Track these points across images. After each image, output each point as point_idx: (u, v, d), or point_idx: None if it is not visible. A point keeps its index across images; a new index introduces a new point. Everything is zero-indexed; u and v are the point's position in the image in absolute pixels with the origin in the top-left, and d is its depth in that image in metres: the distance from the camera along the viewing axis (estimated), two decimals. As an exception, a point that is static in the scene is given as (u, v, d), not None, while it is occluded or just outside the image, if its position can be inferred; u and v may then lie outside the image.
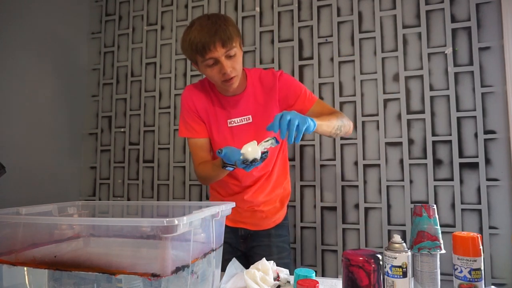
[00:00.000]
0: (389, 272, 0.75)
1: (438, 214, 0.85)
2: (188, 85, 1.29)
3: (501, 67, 1.52)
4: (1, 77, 1.61)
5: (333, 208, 1.70)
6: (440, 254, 0.82)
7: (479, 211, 1.51)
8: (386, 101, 1.67)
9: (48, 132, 1.86)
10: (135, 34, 2.11)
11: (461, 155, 1.55)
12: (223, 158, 1.03)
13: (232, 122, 1.22)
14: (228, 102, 1.22)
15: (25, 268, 0.67)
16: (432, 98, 1.61)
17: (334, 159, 1.72)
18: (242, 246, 1.32)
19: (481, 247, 0.76)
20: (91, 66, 2.17)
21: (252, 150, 0.94)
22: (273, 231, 1.31)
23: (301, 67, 1.80)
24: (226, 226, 1.23)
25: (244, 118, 1.21)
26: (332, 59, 1.76)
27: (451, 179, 1.56)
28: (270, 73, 1.23)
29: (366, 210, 1.66)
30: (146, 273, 0.59)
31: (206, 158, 1.25)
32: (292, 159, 1.77)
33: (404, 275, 0.74)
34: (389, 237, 1.61)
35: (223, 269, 0.95)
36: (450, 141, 1.57)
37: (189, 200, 1.93)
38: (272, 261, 0.97)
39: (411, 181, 1.61)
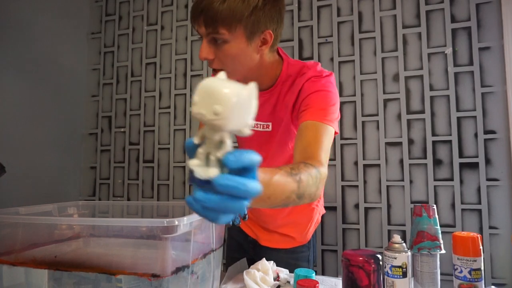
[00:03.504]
0: (389, 272, 0.75)
1: (438, 214, 0.85)
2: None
3: (501, 67, 1.52)
4: (0, 77, 1.61)
5: (333, 208, 1.70)
6: (440, 254, 0.82)
7: (479, 211, 1.51)
8: (386, 101, 1.67)
9: (48, 132, 1.86)
10: (135, 34, 2.11)
11: (461, 155, 1.55)
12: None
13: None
14: None
15: (25, 268, 0.67)
16: (432, 98, 1.61)
17: (334, 159, 1.71)
18: (251, 252, 1.16)
19: (481, 247, 0.76)
20: (91, 66, 2.17)
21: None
22: (286, 248, 1.11)
23: (301, 67, 1.80)
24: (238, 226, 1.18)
25: (262, 124, 0.95)
26: (332, 59, 1.76)
27: (451, 179, 1.56)
28: (306, 70, 0.89)
29: (366, 210, 1.66)
30: (146, 273, 0.59)
31: None
32: (292, 159, 1.77)
33: (404, 275, 0.74)
34: (389, 237, 1.61)
35: (225, 269, 0.94)
36: (450, 141, 1.57)
37: (189, 200, 1.93)
38: (272, 261, 0.97)
39: (411, 181, 1.61)
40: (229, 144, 0.36)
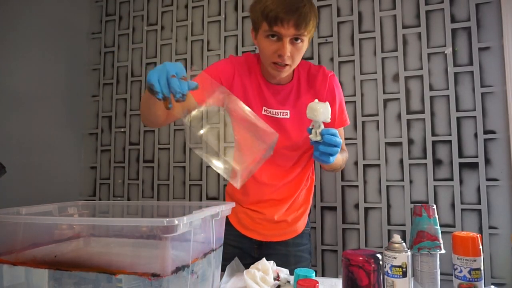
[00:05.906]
0: (389, 272, 0.75)
1: (438, 214, 0.85)
2: (232, 56, 1.17)
3: (501, 67, 1.52)
4: (1, 77, 1.61)
5: (333, 208, 1.70)
6: (440, 254, 0.82)
7: (479, 211, 1.51)
8: (386, 101, 1.67)
9: (48, 132, 1.86)
10: (135, 34, 2.11)
11: (461, 155, 1.55)
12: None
13: (268, 112, 1.11)
14: (268, 89, 1.12)
15: (25, 268, 0.67)
16: (432, 98, 1.61)
17: (334, 159, 1.71)
18: (256, 252, 1.21)
19: (480, 247, 0.76)
20: (91, 66, 2.17)
21: (322, 109, 0.84)
22: (291, 240, 1.20)
23: (301, 67, 1.80)
24: (238, 232, 1.20)
25: (281, 112, 1.11)
26: (332, 59, 1.76)
27: (451, 179, 1.56)
28: (320, 70, 1.13)
29: (366, 210, 1.66)
30: (146, 273, 0.60)
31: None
32: (292, 159, 1.76)
33: (404, 275, 0.74)
34: (389, 237, 1.61)
35: (224, 269, 0.94)
36: (450, 141, 1.57)
37: (189, 200, 1.93)
38: (272, 261, 0.97)
39: (411, 181, 1.61)
40: (322, 126, 0.86)
